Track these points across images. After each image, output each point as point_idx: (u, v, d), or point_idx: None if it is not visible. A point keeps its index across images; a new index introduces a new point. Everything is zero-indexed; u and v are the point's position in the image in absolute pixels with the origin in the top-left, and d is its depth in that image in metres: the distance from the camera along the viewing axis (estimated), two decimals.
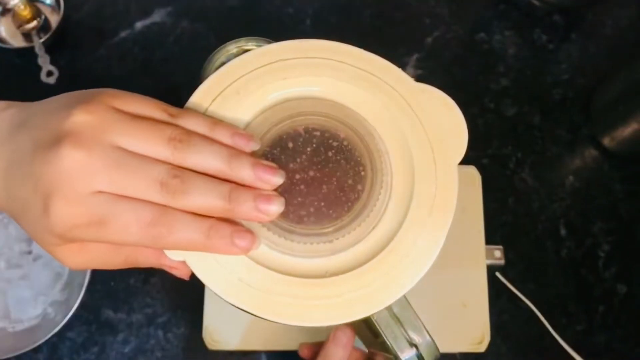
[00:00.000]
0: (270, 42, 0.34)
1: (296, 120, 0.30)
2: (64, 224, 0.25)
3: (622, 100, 0.58)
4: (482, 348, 0.49)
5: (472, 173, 0.53)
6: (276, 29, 0.64)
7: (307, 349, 0.43)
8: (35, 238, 0.27)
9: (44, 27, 0.61)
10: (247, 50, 0.33)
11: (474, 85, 0.63)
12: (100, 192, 0.25)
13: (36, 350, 0.52)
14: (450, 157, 0.31)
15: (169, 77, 0.62)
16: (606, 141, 0.60)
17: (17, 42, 0.61)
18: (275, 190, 0.28)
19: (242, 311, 0.28)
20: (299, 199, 0.29)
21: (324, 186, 0.29)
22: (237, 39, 0.37)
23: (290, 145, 0.30)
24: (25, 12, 0.60)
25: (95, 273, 0.52)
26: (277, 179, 0.28)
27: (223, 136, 0.28)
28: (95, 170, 0.25)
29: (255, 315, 0.28)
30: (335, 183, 0.29)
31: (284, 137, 0.30)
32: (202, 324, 0.48)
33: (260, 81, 0.31)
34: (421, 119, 0.31)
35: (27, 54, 0.59)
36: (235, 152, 0.28)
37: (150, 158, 0.26)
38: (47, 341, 0.50)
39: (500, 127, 0.62)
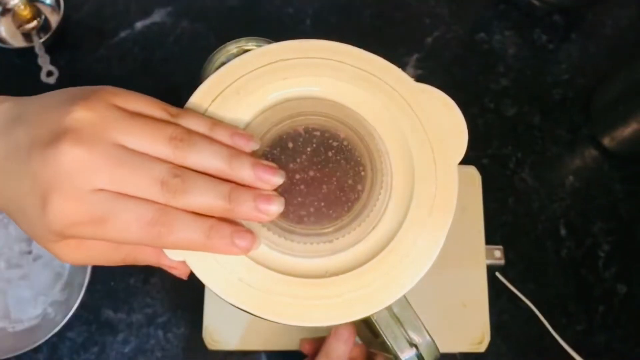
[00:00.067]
0: (270, 42, 0.34)
1: (296, 120, 0.30)
2: (63, 222, 0.25)
3: (622, 100, 0.58)
4: (482, 348, 0.49)
5: (472, 173, 0.53)
6: (276, 29, 0.64)
7: (308, 344, 0.43)
8: (31, 234, 0.27)
9: (44, 27, 0.61)
10: (247, 50, 0.33)
11: (474, 85, 0.63)
12: (101, 189, 0.25)
13: (36, 350, 0.52)
14: (450, 157, 0.31)
15: (169, 77, 0.62)
16: (606, 141, 0.60)
17: (17, 42, 0.61)
18: (275, 190, 0.28)
19: (242, 311, 0.28)
20: (299, 199, 0.29)
21: (324, 186, 0.29)
22: (237, 39, 0.37)
23: (290, 145, 0.30)
24: (25, 12, 0.60)
25: (95, 273, 0.52)
26: (277, 179, 0.28)
27: (223, 136, 0.28)
28: (97, 168, 0.25)
29: (255, 315, 0.28)
30: (335, 183, 0.29)
31: (284, 137, 0.30)
32: (202, 324, 0.48)
33: (260, 81, 0.31)
34: (421, 119, 0.31)
35: (27, 54, 0.59)
36: (235, 152, 0.28)
37: (151, 157, 0.26)
38: (47, 341, 0.50)
39: (500, 127, 0.62)
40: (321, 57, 0.32)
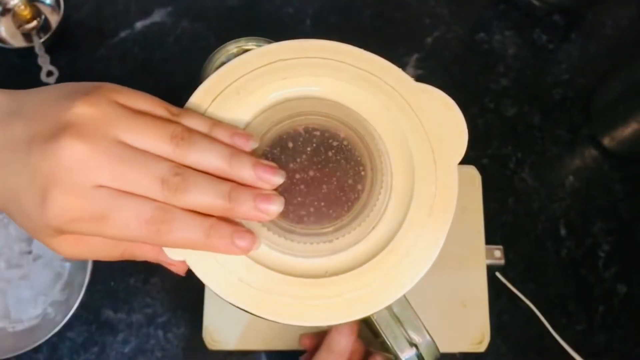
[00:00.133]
0: (270, 42, 0.34)
1: (296, 120, 0.30)
2: (62, 218, 0.25)
3: (622, 100, 0.58)
4: (482, 348, 0.49)
5: (472, 173, 0.53)
6: (276, 29, 0.64)
7: (308, 339, 0.43)
8: (27, 228, 0.27)
9: (44, 27, 0.61)
10: (247, 50, 0.33)
11: (474, 85, 0.63)
12: (101, 186, 0.25)
13: (36, 350, 0.52)
14: (450, 157, 0.31)
15: (169, 77, 0.62)
16: (606, 141, 0.60)
17: (17, 42, 0.61)
18: (276, 190, 0.28)
19: (242, 311, 0.28)
20: (299, 199, 0.29)
21: (324, 186, 0.29)
22: (237, 39, 0.37)
23: (290, 145, 0.30)
24: (25, 12, 0.60)
25: (95, 273, 0.52)
26: (277, 179, 0.28)
27: (223, 136, 0.28)
28: (98, 164, 0.25)
29: (255, 315, 0.28)
30: (335, 183, 0.29)
31: (284, 137, 0.30)
32: (202, 324, 0.48)
33: (260, 81, 0.31)
34: (421, 119, 0.31)
35: (27, 54, 0.59)
36: (236, 151, 0.28)
37: (152, 154, 0.26)
38: (47, 341, 0.50)
39: (500, 127, 0.62)
40: (321, 57, 0.32)
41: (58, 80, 0.59)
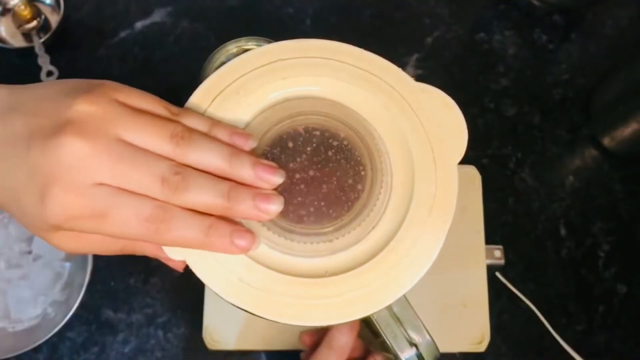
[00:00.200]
0: (270, 42, 0.34)
1: (296, 120, 0.30)
2: (62, 215, 0.25)
3: (622, 100, 0.58)
4: (482, 348, 0.49)
5: (472, 173, 0.53)
6: (276, 29, 0.64)
7: (309, 337, 0.43)
8: (26, 224, 0.27)
9: (44, 27, 0.61)
10: (247, 50, 0.33)
11: (474, 85, 0.63)
12: (101, 184, 0.25)
13: (36, 350, 0.52)
14: (450, 157, 0.31)
15: (169, 77, 0.62)
16: (606, 141, 0.60)
17: (17, 42, 0.61)
18: (275, 189, 0.28)
19: (242, 311, 0.28)
20: (299, 199, 0.29)
21: (324, 186, 0.29)
22: (237, 39, 0.37)
23: (290, 144, 0.30)
24: (25, 12, 0.60)
25: (95, 273, 0.52)
26: (277, 179, 0.28)
27: (222, 135, 0.28)
28: (99, 162, 0.25)
29: (256, 315, 0.28)
30: (335, 183, 0.29)
31: (284, 136, 0.30)
32: (202, 324, 0.48)
33: (260, 81, 0.31)
34: (421, 119, 0.31)
35: (27, 54, 0.59)
36: (236, 150, 0.28)
37: (152, 153, 0.26)
38: (47, 341, 0.50)
39: (500, 127, 0.62)
40: (321, 56, 0.32)
41: None
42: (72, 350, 0.54)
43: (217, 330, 0.48)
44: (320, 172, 0.29)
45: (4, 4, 0.62)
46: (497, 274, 0.55)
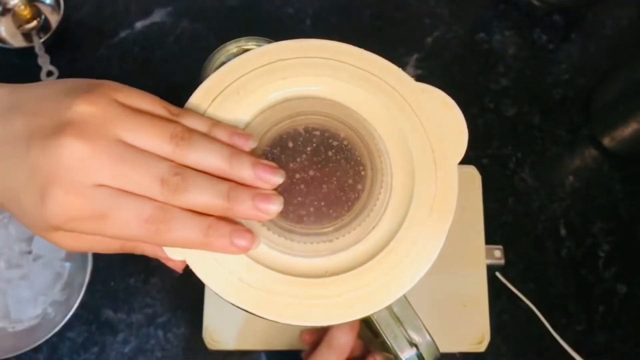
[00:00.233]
0: (270, 42, 0.34)
1: (296, 120, 0.30)
2: (62, 216, 0.25)
3: (622, 100, 0.58)
4: (482, 348, 0.49)
5: (472, 173, 0.53)
6: (276, 29, 0.64)
7: (309, 335, 0.43)
8: (26, 224, 0.27)
9: (44, 27, 0.61)
10: (247, 50, 0.33)
11: (474, 85, 0.63)
12: (101, 185, 0.25)
13: (36, 350, 0.52)
14: (450, 157, 0.31)
15: (169, 77, 0.62)
16: (606, 141, 0.60)
17: (17, 42, 0.61)
18: (275, 189, 0.28)
19: (242, 311, 0.28)
20: (299, 199, 0.29)
21: (324, 186, 0.29)
22: (237, 39, 0.37)
23: (290, 144, 0.30)
24: (25, 12, 0.60)
25: (95, 273, 0.52)
26: (277, 179, 0.28)
27: (222, 136, 0.28)
28: (99, 164, 0.25)
29: (256, 315, 0.28)
30: (335, 183, 0.29)
31: (284, 136, 0.30)
32: (202, 324, 0.48)
33: (260, 81, 0.31)
34: (421, 119, 0.31)
35: (27, 54, 0.59)
36: (236, 151, 0.28)
37: (152, 154, 0.26)
38: (47, 341, 0.50)
39: (500, 127, 0.62)
40: (321, 57, 0.32)
41: None
42: (72, 350, 0.54)
43: (217, 330, 0.48)
44: (320, 172, 0.29)
45: (4, 4, 0.62)
46: (497, 274, 0.55)
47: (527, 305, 0.55)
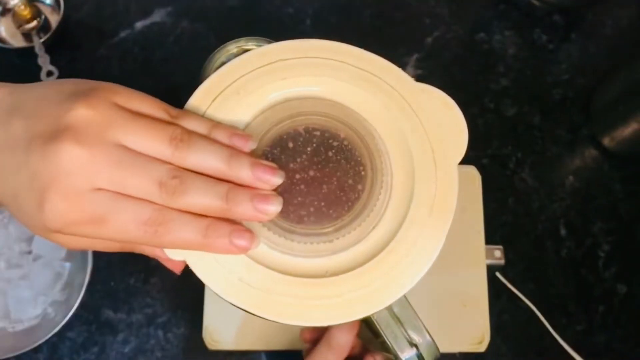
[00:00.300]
0: (270, 42, 0.34)
1: (296, 120, 0.30)
2: (61, 221, 0.25)
3: (622, 100, 0.58)
4: (482, 348, 0.49)
5: (472, 173, 0.53)
6: (276, 29, 0.64)
7: (309, 333, 0.43)
8: (27, 225, 0.27)
9: (44, 27, 0.61)
10: (247, 50, 0.33)
11: (474, 85, 0.63)
12: (100, 189, 0.25)
13: (36, 350, 0.52)
14: (450, 157, 0.31)
15: (169, 77, 0.62)
16: (606, 141, 0.60)
17: (17, 42, 0.61)
18: (276, 190, 0.28)
19: (242, 311, 0.28)
20: (299, 199, 0.29)
21: (324, 186, 0.29)
22: (237, 39, 0.37)
23: (291, 145, 0.30)
24: (25, 12, 0.60)
25: (95, 273, 0.52)
26: (277, 179, 0.28)
27: (222, 137, 0.28)
28: (97, 168, 0.25)
29: (256, 315, 0.28)
30: (335, 183, 0.29)
31: (284, 137, 0.30)
32: (202, 324, 0.48)
33: (260, 81, 0.31)
34: (421, 119, 0.31)
35: (27, 54, 0.59)
36: (235, 152, 0.28)
37: (151, 157, 0.26)
38: (47, 341, 0.50)
39: (500, 127, 0.62)
40: (321, 57, 0.32)
41: None
42: (72, 350, 0.54)
43: (217, 330, 0.48)
44: (321, 172, 0.29)
45: (4, 4, 0.62)
46: (497, 274, 0.55)
47: (527, 305, 0.55)
